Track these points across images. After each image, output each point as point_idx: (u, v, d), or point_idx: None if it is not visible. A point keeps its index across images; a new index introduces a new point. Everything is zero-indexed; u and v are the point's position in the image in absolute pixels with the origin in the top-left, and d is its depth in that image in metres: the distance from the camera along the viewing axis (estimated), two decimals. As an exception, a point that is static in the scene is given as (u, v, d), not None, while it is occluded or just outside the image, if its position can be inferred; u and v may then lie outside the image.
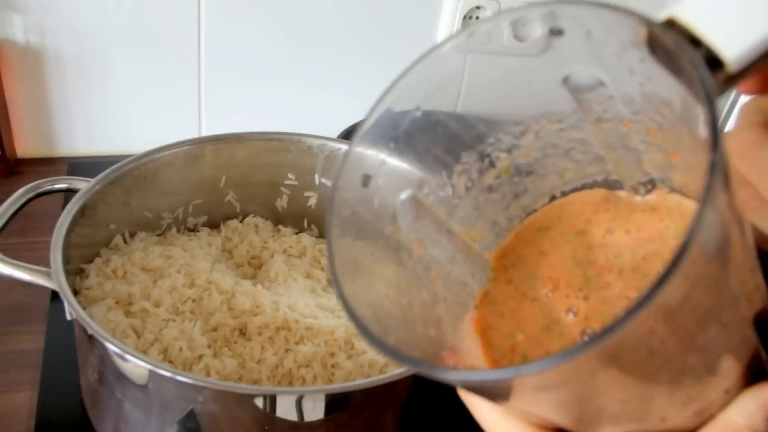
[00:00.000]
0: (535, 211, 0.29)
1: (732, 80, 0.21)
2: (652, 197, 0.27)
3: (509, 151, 0.28)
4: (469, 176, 0.28)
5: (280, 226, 0.67)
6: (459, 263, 0.28)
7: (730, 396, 0.23)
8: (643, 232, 0.26)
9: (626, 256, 0.26)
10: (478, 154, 0.28)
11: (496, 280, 0.29)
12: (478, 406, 0.26)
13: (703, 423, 0.23)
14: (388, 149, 0.26)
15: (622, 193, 0.28)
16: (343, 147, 0.63)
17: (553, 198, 0.29)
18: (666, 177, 0.26)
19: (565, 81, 0.25)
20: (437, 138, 0.27)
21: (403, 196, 0.27)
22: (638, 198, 0.27)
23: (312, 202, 0.66)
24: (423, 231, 0.27)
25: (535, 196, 0.29)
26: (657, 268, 0.25)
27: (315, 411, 0.42)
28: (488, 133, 0.27)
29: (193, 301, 0.53)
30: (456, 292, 0.28)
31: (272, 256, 0.63)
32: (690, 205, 0.26)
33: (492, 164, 0.28)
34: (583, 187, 0.29)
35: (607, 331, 0.16)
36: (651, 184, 0.27)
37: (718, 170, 0.17)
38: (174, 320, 0.51)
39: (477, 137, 0.27)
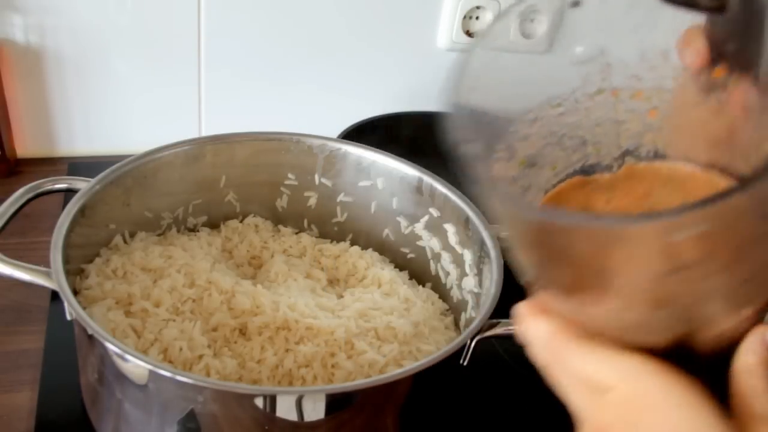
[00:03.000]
0: None
1: None
2: (622, 171, 0.31)
3: (524, 140, 0.30)
4: (501, 166, 0.30)
5: (280, 226, 0.67)
6: None
7: None
8: (634, 193, 0.30)
9: (633, 210, 0.30)
10: (505, 144, 0.30)
11: None
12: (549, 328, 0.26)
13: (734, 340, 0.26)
14: None
15: (596, 176, 0.31)
16: (343, 147, 0.63)
17: (546, 191, 0.31)
18: (637, 144, 0.31)
19: (572, 55, 0.28)
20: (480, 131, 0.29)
21: None
22: (609, 175, 0.31)
23: (312, 202, 0.66)
24: None
25: (535, 191, 0.31)
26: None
27: (315, 411, 0.42)
28: (510, 124, 0.30)
29: (193, 301, 0.53)
30: None
31: (272, 256, 0.63)
32: (658, 165, 0.30)
33: (513, 155, 0.30)
34: (566, 178, 0.32)
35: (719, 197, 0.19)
36: (621, 160, 0.31)
37: None
38: (174, 320, 0.51)
39: (503, 126, 0.30)
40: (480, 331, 0.46)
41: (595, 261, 0.23)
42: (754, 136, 0.27)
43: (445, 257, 0.61)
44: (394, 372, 0.43)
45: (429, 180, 0.60)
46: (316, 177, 0.65)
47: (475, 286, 0.56)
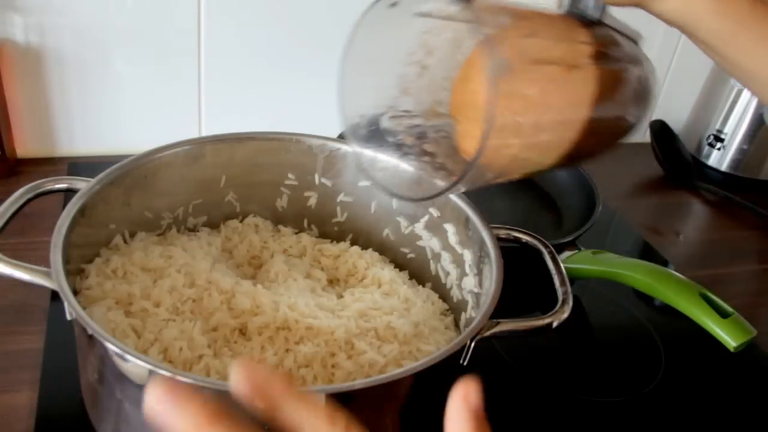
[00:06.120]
0: None
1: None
2: None
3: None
4: None
5: (280, 226, 0.67)
6: None
7: None
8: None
9: None
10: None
11: None
12: None
13: None
14: None
15: None
16: (343, 147, 0.63)
17: None
18: None
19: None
20: None
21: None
22: None
23: (312, 202, 0.66)
24: None
25: None
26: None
27: (315, 411, 0.42)
28: None
29: (193, 301, 0.53)
30: None
31: (272, 256, 0.63)
32: None
33: None
34: None
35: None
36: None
37: None
38: (174, 320, 0.51)
39: None
40: (480, 331, 0.46)
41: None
42: None
43: (445, 257, 0.61)
44: (394, 372, 0.43)
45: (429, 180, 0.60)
46: (316, 177, 0.65)
47: (475, 286, 0.56)
